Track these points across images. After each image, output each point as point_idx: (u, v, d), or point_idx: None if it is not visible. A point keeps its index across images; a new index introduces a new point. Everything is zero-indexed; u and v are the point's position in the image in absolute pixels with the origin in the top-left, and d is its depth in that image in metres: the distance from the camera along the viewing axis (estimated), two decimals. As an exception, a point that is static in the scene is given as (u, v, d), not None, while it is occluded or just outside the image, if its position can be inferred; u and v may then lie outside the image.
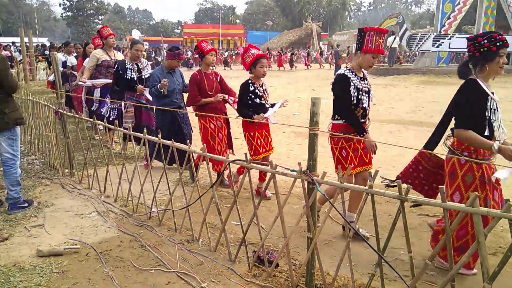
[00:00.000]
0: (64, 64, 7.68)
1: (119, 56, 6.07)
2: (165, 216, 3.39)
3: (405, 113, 9.42)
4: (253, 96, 3.89)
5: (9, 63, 8.59)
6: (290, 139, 6.93)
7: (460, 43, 19.49)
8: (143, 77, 5.20)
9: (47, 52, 16.71)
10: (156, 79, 4.61)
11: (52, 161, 4.99)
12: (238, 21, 62.53)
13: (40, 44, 24.11)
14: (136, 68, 5.20)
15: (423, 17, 60.35)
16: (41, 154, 5.48)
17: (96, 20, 54.65)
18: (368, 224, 3.38)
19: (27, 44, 16.49)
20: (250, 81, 3.92)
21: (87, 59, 6.35)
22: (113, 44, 5.94)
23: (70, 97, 7.01)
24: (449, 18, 19.22)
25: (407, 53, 30.45)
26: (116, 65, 5.16)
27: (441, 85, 14.64)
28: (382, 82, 16.70)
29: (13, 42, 21.61)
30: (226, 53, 30.98)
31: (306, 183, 2.29)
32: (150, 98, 4.98)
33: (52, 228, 3.33)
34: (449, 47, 19.31)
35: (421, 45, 19.38)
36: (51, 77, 8.17)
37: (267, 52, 28.21)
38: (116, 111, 5.34)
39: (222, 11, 59.49)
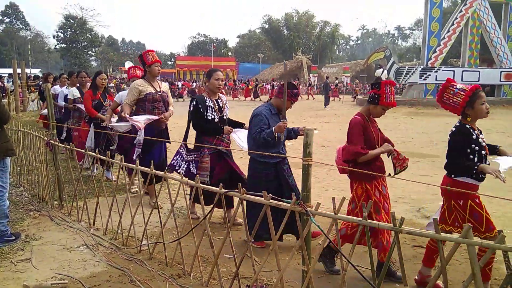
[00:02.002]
0: (65, 97, 6.91)
1: (165, 87, 4.94)
2: (156, 249, 3.31)
3: (396, 144, 9.44)
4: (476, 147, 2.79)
5: (1, 93, 8.51)
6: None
7: (446, 76, 19.98)
8: (224, 117, 4.19)
9: (40, 83, 16.76)
10: (265, 120, 3.52)
11: (41, 193, 4.90)
12: (230, 53, 63.81)
13: (32, 76, 24.22)
14: (217, 106, 4.13)
15: (409, 51, 62.26)
16: (30, 186, 5.39)
17: (90, 52, 55.36)
18: (363, 256, 3.35)
19: (20, 74, 16.56)
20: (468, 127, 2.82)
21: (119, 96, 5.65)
22: (159, 73, 4.82)
23: (70, 133, 6.67)
24: (435, 51, 19.87)
25: (396, 86, 31.23)
26: (195, 102, 4.06)
27: (429, 117, 14.94)
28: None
29: (9, 74, 21.69)
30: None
31: (300, 214, 2.27)
32: (244, 145, 4.04)
33: (39, 262, 3.23)
34: (436, 80, 19.86)
35: (408, 78, 19.92)
36: (45, 111, 7.52)
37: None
38: (195, 164, 4.12)
39: (214, 44, 60.73)
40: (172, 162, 4.20)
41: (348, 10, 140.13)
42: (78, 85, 6.91)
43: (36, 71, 40.36)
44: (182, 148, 4.20)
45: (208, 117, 4.02)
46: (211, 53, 52.57)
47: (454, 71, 20.55)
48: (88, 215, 4.08)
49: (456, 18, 20.06)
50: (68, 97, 6.64)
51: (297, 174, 6.61)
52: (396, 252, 2.07)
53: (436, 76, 19.70)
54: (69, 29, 51.60)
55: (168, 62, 68.01)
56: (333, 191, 5.41)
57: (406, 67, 20.59)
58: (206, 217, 2.78)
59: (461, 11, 20.01)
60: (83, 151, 4.19)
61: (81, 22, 51.62)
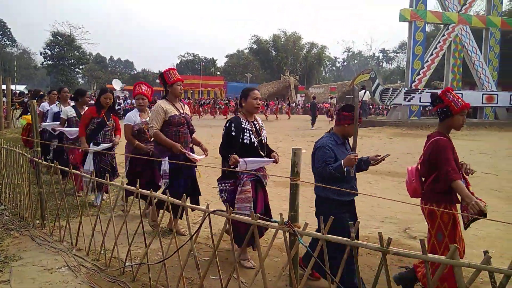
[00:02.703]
0: (56, 115, 6.53)
1: (187, 109, 4.52)
2: (140, 270, 3.24)
3: (381, 164, 9.60)
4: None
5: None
6: (270, 188, 6.88)
7: (430, 98, 20.48)
8: (263, 141, 3.79)
9: (26, 99, 16.52)
10: (330, 153, 3.10)
11: (23, 212, 4.77)
12: (218, 72, 64.26)
13: (18, 92, 23.89)
14: (254, 128, 3.72)
15: (394, 73, 63.65)
16: (12, 204, 5.24)
17: (77, 69, 55.09)
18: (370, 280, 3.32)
19: (5, 91, 16.36)
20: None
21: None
22: (181, 93, 4.40)
23: (59, 153, 6.39)
24: (418, 74, 20.34)
25: (378, 106, 31.85)
26: (229, 124, 3.62)
27: (414, 137, 15.16)
28: (358, 134, 17.16)
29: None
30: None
31: (287, 234, 2.26)
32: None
33: (18, 284, 3.12)
34: (420, 101, 20.26)
35: (393, 99, 20.28)
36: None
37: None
38: (227, 193, 3.62)
39: (203, 63, 61.16)
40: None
41: (334, 33, 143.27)
42: (57, 101, 7.00)
43: (21, 88, 39.92)
44: (223, 184, 3.65)
45: (245, 141, 3.57)
46: (199, 72, 52.87)
47: (437, 93, 21.01)
48: (70, 235, 3.98)
49: (439, 42, 20.65)
50: (61, 116, 6.18)
51: (284, 194, 6.63)
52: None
53: (420, 97, 20.09)
54: (56, 46, 51.38)
55: (156, 80, 68.08)
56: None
57: (391, 89, 20.98)
58: (192, 238, 2.74)
59: (443, 35, 20.62)
60: (79, 172, 4.08)
61: (69, 39, 51.47)
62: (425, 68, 20.37)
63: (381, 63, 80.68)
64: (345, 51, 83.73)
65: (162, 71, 4.36)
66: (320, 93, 42.92)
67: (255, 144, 3.62)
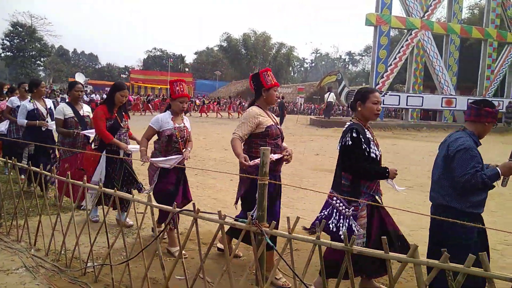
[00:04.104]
0: (31, 113, 5.47)
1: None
2: (102, 271, 3.15)
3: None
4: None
5: None
6: (237, 187, 6.91)
7: (392, 100, 21.24)
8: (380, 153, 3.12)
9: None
10: (479, 158, 2.57)
11: (-24, 211, 4.53)
12: (187, 69, 63.53)
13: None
14: (371, 138, 3.05)
15: (359, 75, 65.33)
16: (-37, 203, 4.96)
17: (38, 62, 52.82)
18: (314, 274, 3.37)
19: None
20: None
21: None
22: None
23: (39, 159, 5.18)
24: (382, 77, 20.98)
25: (340, 107, 32.64)
26: (355, 132, 2.92)
27: (377, 138, 15.63)
28: (324, 134, 17.51)
29: None
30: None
31: (255, 233, 2.26)
32: (400, 188, 3.16)
33: (-31, 287, 2.96)
34: (383, 103, 20.92)
35: (359, 101, 20.80)
36: (2, 127, 6.39)
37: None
38: (354, 219, 2.89)
39: (172, 60, 60.26)
40: (322, 217, 2.99)
41: (303, 34, 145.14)
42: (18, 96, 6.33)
43: (-24, 79, 37.78)
44: (336, 199, 2.99)
45: (372, 154, 2.94)
46: (167, 68, 52.06)
47: (399, 96, 21.78)
48: (29, 234, 3.81)
49: (402, 47, 21.38)
50: (56, 117, 5.06)
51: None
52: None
53: (383, 100, 20.75)
54: (16, 37, 49.04)
55: (122, 75, 66.44)
56: (287, 209, 5.46)
57: (356, 91, 21.52)
58: (157, 238, 2.69)
59: (407, 40, 21.36)
60: (81, 183, 3.33)
61: (30, 30, 49.23)
62: (388, 72, 21.03)
63: (347, 66, 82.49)
64: (313, 53, 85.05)
65: (259, 71, 3.58)
66: (288, 93, 43.35)
67: (379, 158, 3.04)
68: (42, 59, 52.96)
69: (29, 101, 5.61)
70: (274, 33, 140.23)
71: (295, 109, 36.50)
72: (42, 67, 57.33)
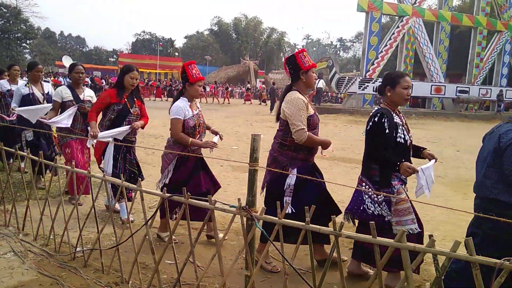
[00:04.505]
0: (26, 97, 5.16)
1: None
2: (91, 256, 3.14)
3: (336, 150, 9.91)
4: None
5: None
6: (228, 173, 6.93)
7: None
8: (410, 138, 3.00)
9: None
10: None
11: (-38, 195, 4.46)
12: (177, 53, 62.73)
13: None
14: (405, 124, 3.01)
15: (350, 62, 65.33)
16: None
17: (24, 44, 51.58)
18: (303, 259, 3.42)
19: None
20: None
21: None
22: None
23: (38, 147, 4.94)
24: (373, 64, 21.00)
25: (329, 94, 32.68)
26: (380, 117, 2.84)
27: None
28: (315, 120, 17.53)
29: None
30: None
31: (245, 219, 2.28)
32: (427, 191, 2.81)
33: (-44, 272, 2.93)
34: (373, 90, 20.99)
35: (348, 87, 20.88)
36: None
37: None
38: (386, 206, 2.86)
39: (161, 43, 59.36)
40: (352, 205, 3.00)
41: (294, 19, 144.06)
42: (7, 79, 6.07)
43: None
44: (364, 183, 2.95)
45: (399, 139, 2.86)
46: (157, 52, 51.34)
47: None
48: (17, 219, 3.78)
49: (393, 33, 21.38)
50: (53, 99, 4.76)
51: (242, 178, 6.65)
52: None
53: (374, 87, 20.82)
54: (0, 19, 47.72)
55: (110, 59, 65.37)
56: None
57: (347, 77, 21.54)
58: (147, 222, 2.69)
59: (398, 27, 21.35)
60: (85, 172, 3.19)
61: (15, 11, 47.89)
62: (379, 59, 21.06)
63: (338, 52, 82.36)
64: (304, 38, 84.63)
65: (295, 53, 3.32)
66: (279, 79, 43.21)
67: (408, 143, 2.95)
68: (28, 42, 51.73)
69: (25, 85, 5.27)
70: (266, 18, 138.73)
71: (262, 93, 36.40)
72: (28, 50, 56.07)
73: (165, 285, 2.80)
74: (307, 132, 3.07)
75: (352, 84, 20.76)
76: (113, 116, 4.12)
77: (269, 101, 22.13)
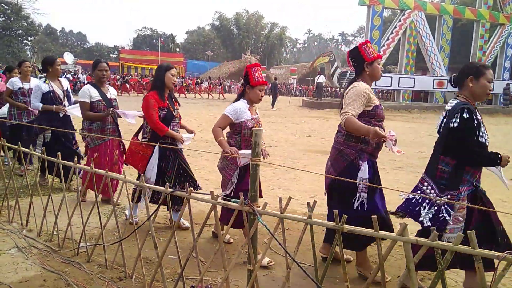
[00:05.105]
0: (46, 96, 4.87)
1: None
2: (95, 251, 3.16)
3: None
4: None
5: None
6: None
7: (384, 82, 21.22)
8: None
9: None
10: None
11: (-34, 192, 4.49)
12: (178, 49, 62.61)
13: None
14: (481, 120, 2.69)
15: (352, 56, 64.81)
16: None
17: (25, 41, 51.59)
18: (306, 253, 3.43)
19: None
20: None
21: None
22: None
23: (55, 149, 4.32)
24: (375, 58, 20.88)
25: (332, 88, 32.59)
26: (468, 113, 2.55)
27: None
28: (316, 115, 17.53)
29: None
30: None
31: (247, 213, 2.28)
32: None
33: (-39, 267, 2.96)
34: (375, 85, 20.91)
35: (351, 82, 20.78)
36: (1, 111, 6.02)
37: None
38: (448, 209, 2.61)
39: (162, 39, 59.23)
40: (407, 205, 2.78)
41: (295, 14, 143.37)
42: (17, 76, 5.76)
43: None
44: (426, 184, 2.73)
45: (481, 139, 2.61)
46: (158, 48, 51.26)
47: (391, 77, 21.78)
48: (20, 215, 3.80)
49: (395, 27, 21.26)
50: (81, 100, 4.40)
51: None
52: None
53: (375, 81, 20.77)
54: (1, 15, 47.69)
55: (111, 55, 65.32)
56: (279, 190, 5.51)
57: (349, 72, 21.43)
58: (150, 218, 2.70)
59: (400, 20, 21.23)
60: (104, 172, 2.98)
61: (16, 8, 47.85)
62: (381, 53, 20.92)
63: (340, 46, 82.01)
64: (306, 33, 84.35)
65: (358, 44, 3.23)
66: (280, 74, 43.16)
67: (487, 144, 2.69)
68: (29, 38, 51.75)
69: (44, 81, 4.94)
70: (267, 13, 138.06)
71: (291, 91, 36.30)
72: (29, 47, 56.09)
73: (168, 280, 2.82)
74: (350, 116, 2.81)
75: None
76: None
77: (271, 96, 22.07)
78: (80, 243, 3.22)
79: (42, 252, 3.26)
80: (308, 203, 2.20)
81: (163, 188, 2.65)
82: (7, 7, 47.71)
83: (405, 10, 21.03)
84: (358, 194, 2.89)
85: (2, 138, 4.16)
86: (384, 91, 29.82)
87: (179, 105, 4.07)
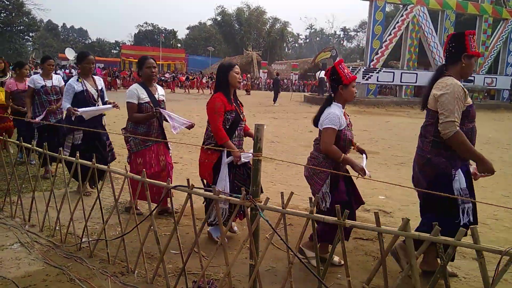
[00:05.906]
0: (80, 96, 4.50)
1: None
2: (97, 246, 3.17)
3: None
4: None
5: None
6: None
7: (386, 77, 21.16)
8: None
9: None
10: None
11: (-32, 187, 4.51)
12: (179, 45, 62.48)
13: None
14: None
15: (353, 52, 64.81)
16: (-45, 179, 4.93)
17: (27, 37, 51.56)
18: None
19: None
20: None
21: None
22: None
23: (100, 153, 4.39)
24: (377, 53, 20.82)
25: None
26: None
27: (370, 115, 15.68)
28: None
29: None
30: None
31: (249, 209, 2.28)
32: None
33: (-36, 262, 2.97)
34: (377, 80, 20.87)
35: (352, 77, 20.71)
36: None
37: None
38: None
39: (163, 35, 59.09)
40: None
41: (297, 9, 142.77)
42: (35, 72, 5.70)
43: (-37, 55, 36.83)
44: None
45: None
46: (159, 43, 51.14)
47: (394, 72, 21.69)
48: (23, 210, 3.82)
49: (397, 22, 21.14)
50: (129, 101, 3.94)
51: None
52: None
53: (378, 77, 20.66)
54: (3, 11, 47.62)
55: (113, 51, 65.26)
56: (281, 186, 5.51)
57: (350, 67, 21.38)
58: (152, 213, 2.71)
59: (402, 15, 21.11)
60: (163, 184, 2.68)
61: (18, 4, 47.76)
62: (383, 48, 20.87)
63: (342, 42, 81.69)
64: (308, 28, 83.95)
65: (465, 31, 2.83)
66: (282, 70, 43.03)
67: None
68: (30, 34, 51.69)
69: (77, 80, 4.53)
70: (268, 8, 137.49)
71: (293, 87, 36.16)
72: (31, 42, 56.06)
73: (170, 275, 2.82)
74: (458, 128, 2.54)
75: (356, 74, 20.61)
76: (227, 127, 3.39)
77: (273, 91, 22.03)
78: (82, 238, 3.23)
79: (44, 247, 3.28)
80: (310, 198, 2.20)
81: (164, 183, 2.65)
82: (8, 3, 47.60)
83: (407, 5, 20.91)
84: (461, 207, 2.63)
85: (21, 138, 3.99)
86: (386, 86, 29.72)
87: (242, 105, 3.69)
